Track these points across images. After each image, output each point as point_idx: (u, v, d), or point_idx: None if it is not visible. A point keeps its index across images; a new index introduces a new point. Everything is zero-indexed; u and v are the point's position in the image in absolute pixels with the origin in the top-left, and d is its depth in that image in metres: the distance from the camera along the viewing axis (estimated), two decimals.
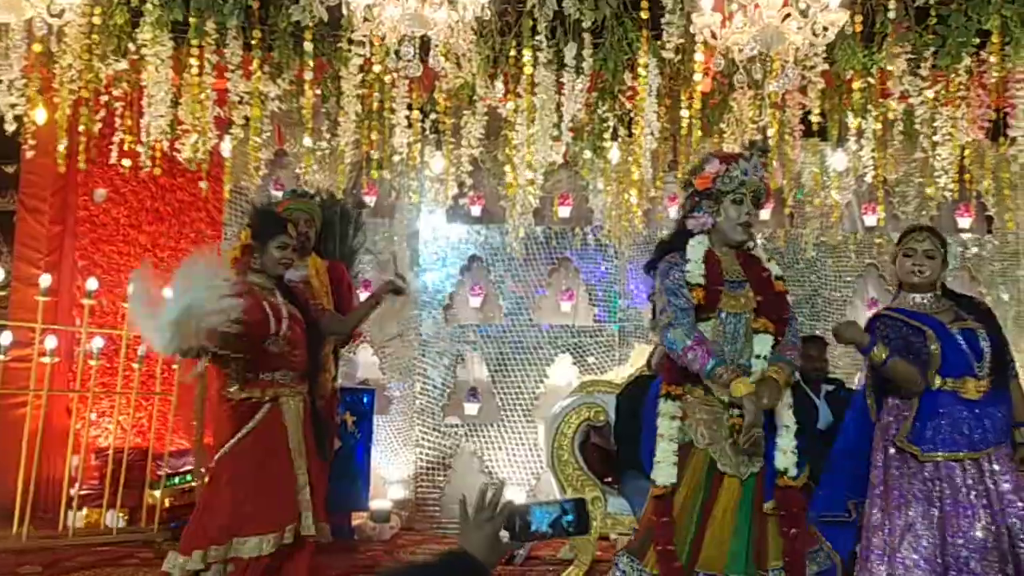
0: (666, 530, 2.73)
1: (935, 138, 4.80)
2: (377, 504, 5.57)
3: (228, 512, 3.12)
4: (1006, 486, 2.90)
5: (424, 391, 6.07)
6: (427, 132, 5.17)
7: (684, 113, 4.71)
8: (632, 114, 5.13)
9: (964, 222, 6.15)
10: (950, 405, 2.97)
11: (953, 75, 4.45)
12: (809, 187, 5.92)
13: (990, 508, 2.88)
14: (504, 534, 1.53)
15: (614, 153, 5.33)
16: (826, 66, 4.22)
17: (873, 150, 4.98)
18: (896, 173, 5.81)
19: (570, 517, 1.56)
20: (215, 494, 3.20)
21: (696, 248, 2.93)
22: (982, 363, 2.98)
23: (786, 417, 2.84)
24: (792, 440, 2.83)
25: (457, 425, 6.06)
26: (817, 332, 5.66)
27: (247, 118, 4.91)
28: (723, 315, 2.87)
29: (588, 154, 5.52)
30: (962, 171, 5.28)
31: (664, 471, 2.79)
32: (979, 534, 2.84)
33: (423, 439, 6.01)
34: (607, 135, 5.20)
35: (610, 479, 4.78)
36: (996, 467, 2.92)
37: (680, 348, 2.77)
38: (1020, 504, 2.88)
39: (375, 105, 4.84)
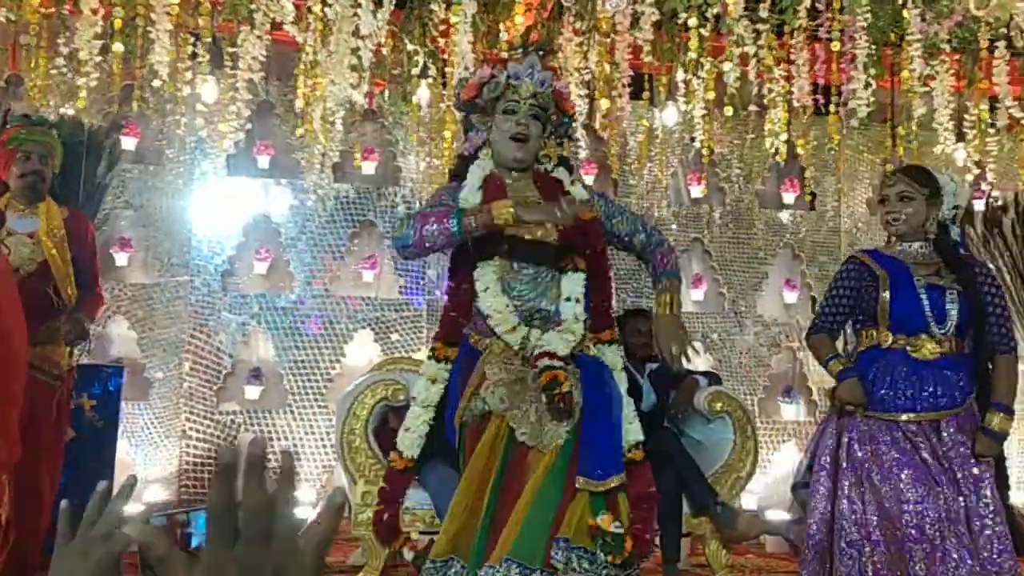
0: (388, 500, 2.48)
1: (765, 101, 4.50)
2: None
3: None
4: (956, 457, 2.60)
5: (194, 372, 5.11)
6: (197, 55, 4.27)
7: (503, 47, 4.11)
8: (446, 54, 4.50)
9: (789, 197, 5.94)
10: (899, 364, 2.66)
11: (792, 22, 4.11)
12: (635, 155, 5.53)
13: (937, 475, 2.59)
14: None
15: (423, 94, 4.64)
16: None
17: (704, 112, 4.61)
18: (724, 141, 5.52)
19: None
20: None
21: (474, 172, 2.42)
22: (945, 324, 2.67)
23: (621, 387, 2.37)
24: (633, 408, 2.40)
25: (235, 412, 5.16)
26: (642, 307, 5.24)
27: None
28: (513, 251, 2.36)
29: (396, 99, 4.82)
30: (791, 145, 5.02)
31: (408, 440, 2.39)
32: (928, 501, 2.56)
33: (191, 429, 5.06)
34: (416, 74, 4.52)
35: None
36: (945, 435, 2.60)
37: (412, 232, 2.28)
38: (973, 479, 2.58)
39: (124, 11, 3.88)
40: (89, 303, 3.56)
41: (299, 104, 4.32)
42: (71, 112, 4.39)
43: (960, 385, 2.67)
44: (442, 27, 4.39)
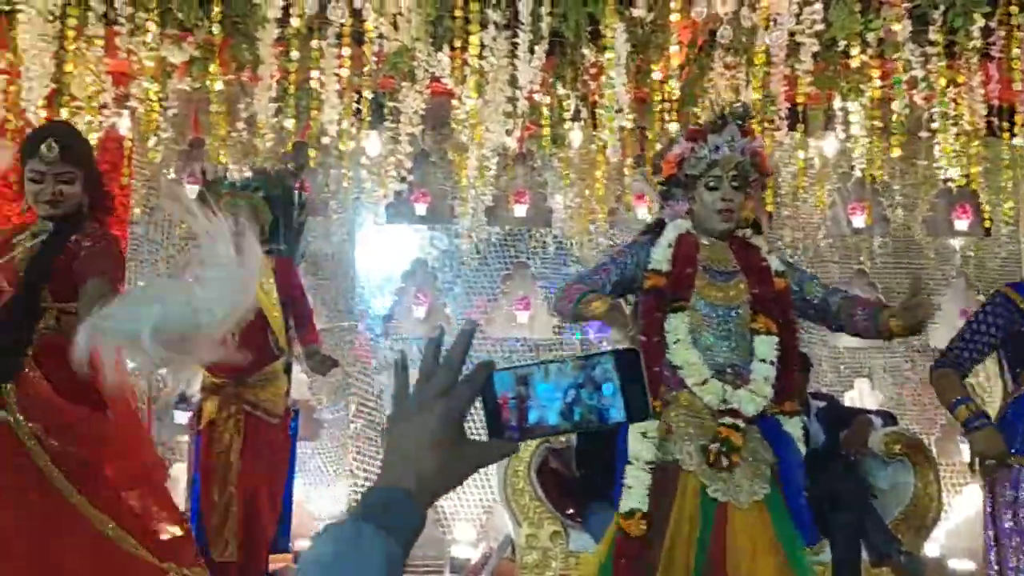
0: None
1: (934, 124, 4.26)
2: (302, 545, 4.77)
3: None
4: None
5: (360, 413, 5.30)
6: (361, 111, 4.49)
7: (655, 86, 4.10)
8: (596, 96, 4.54)
9: (961, 224, 5.59)
10: None
11: (964, 44, 3.89)
12: (788, 186, 5.36)
13: None
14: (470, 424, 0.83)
15: (575, 137, 4.69)
16: (821, 27, 3.66)
17: (868, 140, 4.42)
18: (886, 168, 5.27)
19: (610, 388, 0.83)
20: None
21: (670, 230, 2.44)
22: None
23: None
24: None
25: None
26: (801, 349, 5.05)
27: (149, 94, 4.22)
28: (703, 306, 2.35)
29: (547, 142, 4.90)
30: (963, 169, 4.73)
31: (633, 495, 2.25)
32: None
33: (358, 468, 5.24)
34: (568, 117, 4.57)
35: (572, 511, 4.04)
36: None
37: (559, 304, 2.45)
38: None
39: (296, 75, 4.12)
40: (314, 339, 3.98)
41: (453, 156, 4.46)
42: (266, 166, 4.68)
43: None
44: (592, 70, 4.43)
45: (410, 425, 0.81)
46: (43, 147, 2.53)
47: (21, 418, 2.46)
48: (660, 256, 2.41)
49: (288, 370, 4.08)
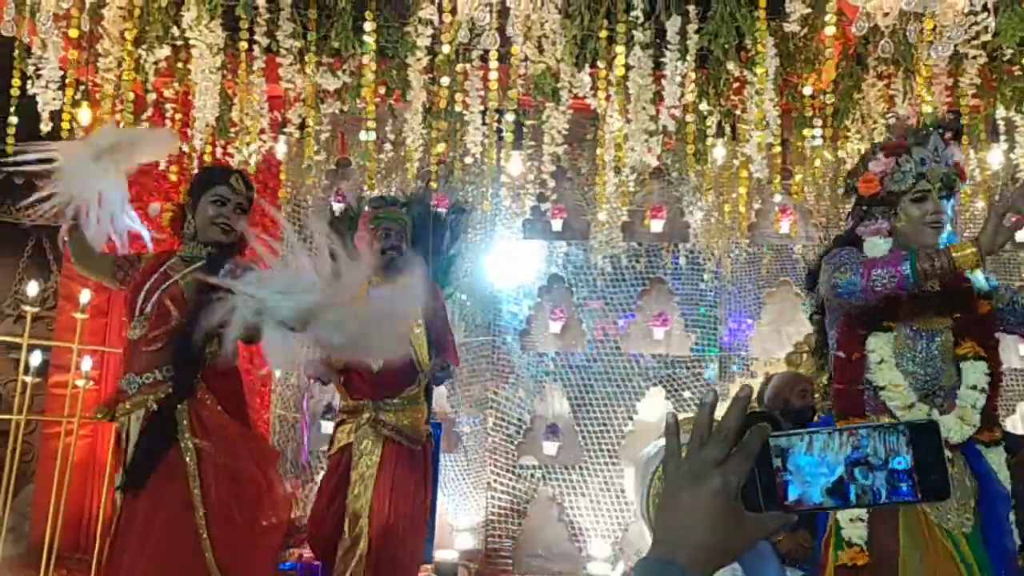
0: None
1: None
2: (442, 555, 4.89)
3: None
4: None
5: (497, 427, 5.38)
6: (503, 132, 4.56)
7: (805, 103, 3.98)
8: (739, 109, 4.46)
9: None
10: None
11: None
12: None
13: None
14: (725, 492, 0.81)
15: (718, 153, 4.61)
16: (987, 37, 3.46)
17: None
18: None
19: (903, 463, 0.76)
20: None
21: (878, 246, 2.31)
22: None
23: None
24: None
25: (534, 466, 5.35)
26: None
27: (304, 120, 4.43)
28: (908, 330, 2.24)
29: (691, 159, 4.83)
30: None
31: (855, 528, 2.14)
32: None
33: (495, 481, 5.31)
34: (710, 133, 4.51)
35: None
36: None
37: (858, 278, 2.14)
38: None
39: (444, 101, 4.22)
40: (451, 359, 3.80)
41: (590, 173, 4.46)
42: (419, 190, 4.82)
43: None
44: (736, 85, 4.35)
45: (685, 495, 0.79)
46: (233, 178, 2.72)
47: (188, 436, 2.62)
48: None
49: (428, 395, 3.96)
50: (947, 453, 2.09)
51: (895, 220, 2.32)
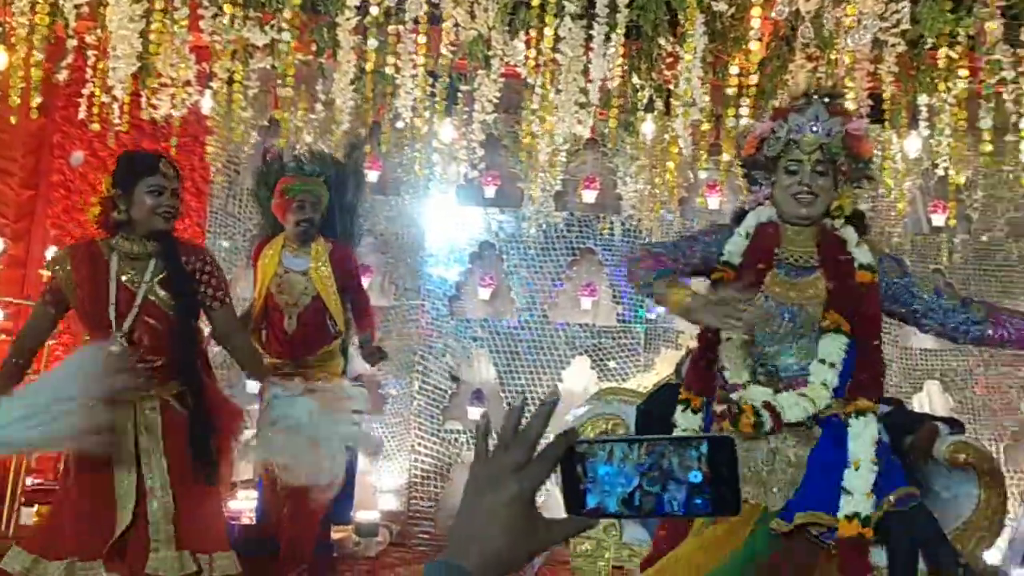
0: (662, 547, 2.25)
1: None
2: (363, 516, 4.93)
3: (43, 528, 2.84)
4: None
5: (423, 391, 5.41)
6: (436, 97, 4.52)
7: (732, 82, 4.02)
8: (671, 84, 4.49)
9: None
10: None
11: None
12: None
13: None
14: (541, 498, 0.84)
15: (648, 128, 4.65)
16: (907, 26, 3.54)
17: (950, 137, 4.28)
18: (971, 167, 5.09)
19: (698, 477, 0.77)
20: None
21: (749, 218, 2.34)
22: None
23: (863, 449, 2.17)
24: (869, 480, 2.16)
25: (458, 431, 5.40)
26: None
27: (232, 74, 4.35)
28: (770, 304, 2.24)
29: (619, 130, 4.86)
30: None
31: None
32: None
33: (419, 444, 5.36)
34: (641, 107, 4.54)
35: None
36: None
37: (631, 269, 2.30)
38: None
39: (374, 62, 4.16)
40: (369, 327, 4.03)
41: (525, 141, 4.47)
42: (324, 148, 4.77)
43: None
44: (668, 60, 4.38)
45: (481, 501, 0.79)
46: (162, 165, 2.70)
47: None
48: (733, 248, 2.31)
49: (344, 351, 4.14)
50: (782, 434, 2.16)
51: (773, 188, 2.30)
